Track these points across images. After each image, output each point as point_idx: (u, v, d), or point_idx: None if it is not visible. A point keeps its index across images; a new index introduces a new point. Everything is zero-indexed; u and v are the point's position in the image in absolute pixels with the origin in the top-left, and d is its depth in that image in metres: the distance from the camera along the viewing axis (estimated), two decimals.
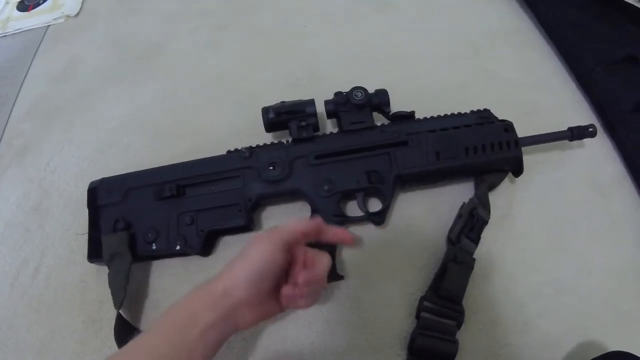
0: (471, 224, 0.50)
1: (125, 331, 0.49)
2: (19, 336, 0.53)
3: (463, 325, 0.49)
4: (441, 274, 0.49)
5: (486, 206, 0.52)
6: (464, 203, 0.51)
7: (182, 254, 0.51)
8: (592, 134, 0.56)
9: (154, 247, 0.51)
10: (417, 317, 0.49)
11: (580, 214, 0.56)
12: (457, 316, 0.48)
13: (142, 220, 0.52)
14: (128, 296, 0.50)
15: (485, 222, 0.51)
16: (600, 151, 0.60)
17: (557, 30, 0.66)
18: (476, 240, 0.51)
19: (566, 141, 0.56)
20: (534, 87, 0.64)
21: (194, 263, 0.53)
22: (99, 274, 0.54)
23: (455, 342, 0.48)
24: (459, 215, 0.51)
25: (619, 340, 0.47)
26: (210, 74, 0.65)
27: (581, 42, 0.64)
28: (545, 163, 0.57)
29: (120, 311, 0.48)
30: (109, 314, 0.51)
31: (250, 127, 0.56)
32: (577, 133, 0.55)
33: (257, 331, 0.50)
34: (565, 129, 0.55)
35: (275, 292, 0.40)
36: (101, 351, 0.50)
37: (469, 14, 0.73)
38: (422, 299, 0.49)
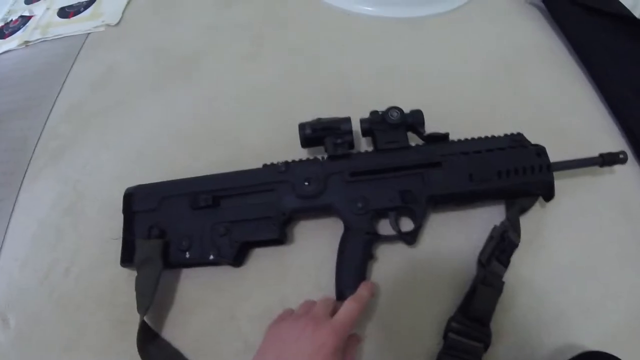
0: (502, 247, 0.51)
1: (147, 338, 0.50)
2: (45, 333, 0.55)
3: (490, 349, 0.50)
4: (470, 295, 0.50)
5: (517, 230, 0.52)
6: (495, 226, 0.52)
7: (214, 263, 0.53)
8: (623, 161, 0.56)
9: (187, 256, 0.52)
10: (444, 337, 0.49)
11: (609, 240, 0.56)
12: (484, 338, 0.49)
13: (176, 228, 0.53)
14: (154, 301, 0.51)
15: (515, 246, 0.52)
16: (630, 178, 0.60)
17: (589, 54, 0.67)
18: (506, 264, 0.51)
19: (597, 167, 0.57)
20: (565, 109, 0.64)
21: (225, 273, 0.54)
22: (131, 278, 0.55)
23: None
24: (490, 238, 0.52)
25: None
26: (247, 86, 0.67)
27: (613, 67, 0.64)
28: (574, 188, 0.58)
29: (145, 317, 0.49)
30: (138, 318, 0.52)
31: (284, 140, 0.57)
32: (608, 159, 0.55)
33: None
34: (596, 154, 0.55)
35: None
36: (127, 352, 0.51)
37: (501, 35, 0.74)
38: (450, 319, 0.49)
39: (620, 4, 0.69)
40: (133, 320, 0.52)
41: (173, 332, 0.53)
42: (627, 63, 0.65)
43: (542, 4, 0.75)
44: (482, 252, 0.51)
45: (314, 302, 0.46)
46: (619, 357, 0.43)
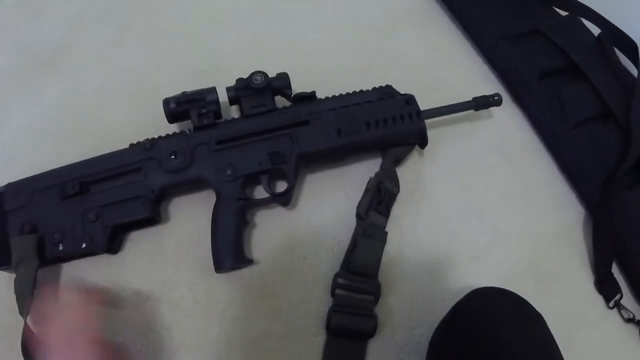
0: (379, 197, 0.51)
1: (32, 342, 0.47)
2: None
3: (382, 301, 0.49)
4: (352, 249, 0.49)
5: (393, 179, 0.52)
6: (370, 178, 0.52)
7: (89, 253, 0.50)
8: (498, 103, 0.57)
9: (60, 248, 0.49)
10: (332, 294, 0.49)
11: (492, 183, 0.57)
12: (373, 290, 0.48)
13: (48, 221, 0.50)
14: (37, 303, 0.48)
15: (393, 195, 0.52)
16: (509, 120, 0.61)
17: (459, 7, 0.68)
18: (386, 214, 0.51)
19: (474, 112, 0.58)
20: (442, 65, 0.65)
21: (103, 262, 0.51)
22: (11, 282, 0.52)
23: (373, 317, 0.48)
24: (366, 190, 0.51)
25: (542, 302, 0.43)
26: (115, 72, 0.63)
27: (484, 18, 0.66)
28: (453, 135, 0.58)
29: (28, 320, 0.46)
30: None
31: (156, 121, 0.54)
32: (482, 102, 0.56)
33: (169, 325, 0.49)
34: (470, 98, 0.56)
35: None
36: None
37: None
38: (336, 276, 0.49)
39: None
40: (20, 326, 0.49)
41: None
42: (498, 13, 0.66)
43: None
44: (359, 205, 0.51)
45: None
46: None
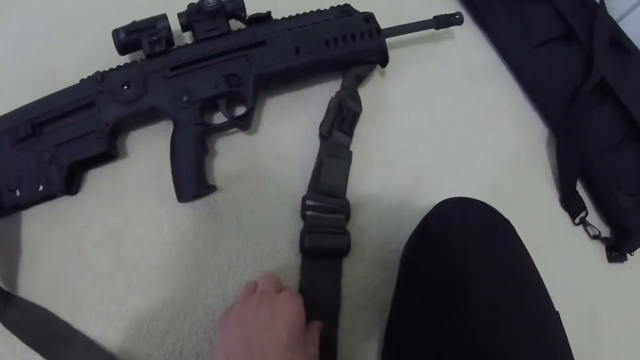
0: (342, 116, 0.50)
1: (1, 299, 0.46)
2: None
3: (352, 220, 0.49)
4: (318, 170, 0.48)
5: (355, 98, 0.51)
6: (332, 97, 0.51)
7: (48, 196, 0.48)
8: (459, 22, 0.56)
9: (18, 194, 0.47)
10: (303, 217, 0.48)
11: (455, 102, 0.56)
12: (343, 209, 0.48)
13: (2, 169, 0.48)
14: (1, 255, 0.46)
15: (356, 114, 0.51)
16: (471, 41, 0.61)
17: None
18: (349, 133, 0.50)
19: (436, 33, 0.57)
20: None
21: (63, 203, 0.49)
22: None
23: (346, 234, 0.48)
24: (328, 109, 0.50)
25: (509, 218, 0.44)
26: (63, 12, 0.60)
27: None
28: (416, 55, 0.58)
29: None
30: None
31: (109, 57, 0.52)
32: (444, 21, 0.55)
33: (135, 262, 0.47)
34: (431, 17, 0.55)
35: None
36: None
37: None
38: (304, 198, 0.48)
39: None
40: None
41: (26, 283, 0.48)
42: None
43: None
44: (322, 125, 0.50)
45: (254, 282, 0.43)
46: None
